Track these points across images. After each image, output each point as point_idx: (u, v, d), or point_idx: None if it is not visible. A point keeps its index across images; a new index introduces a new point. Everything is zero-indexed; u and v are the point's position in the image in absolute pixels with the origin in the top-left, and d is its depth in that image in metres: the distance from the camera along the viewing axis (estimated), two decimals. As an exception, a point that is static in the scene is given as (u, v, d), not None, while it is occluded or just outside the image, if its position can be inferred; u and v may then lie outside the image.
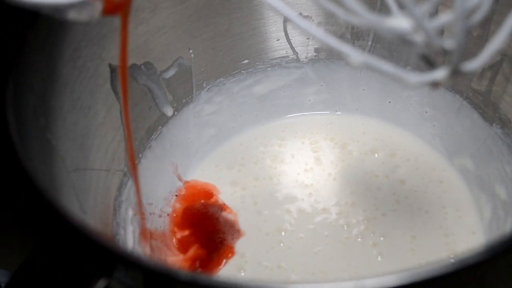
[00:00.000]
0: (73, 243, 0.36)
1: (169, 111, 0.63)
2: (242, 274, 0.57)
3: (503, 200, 0.57)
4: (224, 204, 0.63)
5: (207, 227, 0.61)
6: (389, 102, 0.67)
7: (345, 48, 0.32)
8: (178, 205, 0.63)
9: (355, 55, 0.32)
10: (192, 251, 0.59)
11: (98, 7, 0.34)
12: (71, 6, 0.32)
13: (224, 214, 0.62)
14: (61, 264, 0.35)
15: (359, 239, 0.58)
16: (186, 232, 0.60)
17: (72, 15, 0.33)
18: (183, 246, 0.60)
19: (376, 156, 0.66)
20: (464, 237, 0.58)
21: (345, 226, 0.60)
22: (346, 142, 0.68)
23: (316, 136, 0.69)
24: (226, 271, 0.58)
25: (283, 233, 0.60)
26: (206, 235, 0.60)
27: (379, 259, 0.57)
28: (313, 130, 0.69)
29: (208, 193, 0.64)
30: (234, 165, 0.66)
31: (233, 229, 0.61)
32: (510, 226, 0.54)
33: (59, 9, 0.32)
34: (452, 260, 0.31)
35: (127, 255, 0.36)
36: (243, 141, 0.68)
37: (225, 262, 0.58)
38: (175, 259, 0.58)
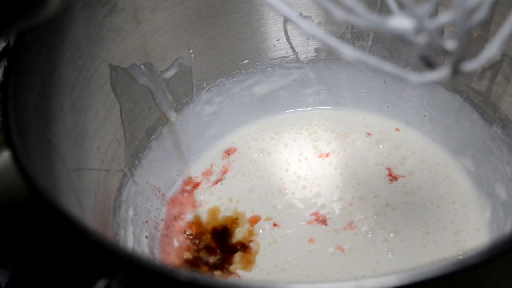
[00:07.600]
0: (73, 243, 0.36)
1: (172, 116, 0.62)
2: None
3: (503, 200, 0.57)
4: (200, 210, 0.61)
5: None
6: (389, 103, 0.67)
7: (345, 48, 0.32)
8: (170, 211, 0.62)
9: (348, 51, 0.32)
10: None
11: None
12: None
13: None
14: (61, 264, 0.35)
15: (369, 235, 0.57)
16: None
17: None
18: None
19: (381, 147, 0.64)
20: (472, 234, 0.57)
21: (354, 221, 0.58)
22: (348, 132, 0.66)
23: (315, 127, 0.67)
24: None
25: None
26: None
27: (390, 256, 0.55)
28: (312, 122, 0.68)
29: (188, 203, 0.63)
30: (221, 162, 0.65)
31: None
32: (510, 226, 0.54)
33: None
34: (460, 257, 0.31)
35: (127, 255, 0.36)
36: (235, 140, 0.68)
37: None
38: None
